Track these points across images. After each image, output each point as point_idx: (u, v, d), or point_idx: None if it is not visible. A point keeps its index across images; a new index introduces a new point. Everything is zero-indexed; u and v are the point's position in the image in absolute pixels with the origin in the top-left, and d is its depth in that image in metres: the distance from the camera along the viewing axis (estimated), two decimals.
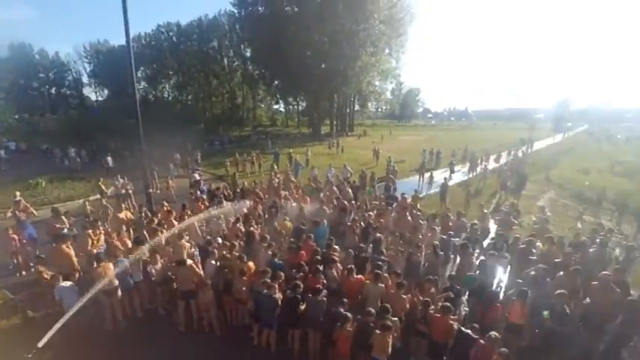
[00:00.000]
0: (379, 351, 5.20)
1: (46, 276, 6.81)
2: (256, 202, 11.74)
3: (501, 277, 8.04)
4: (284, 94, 58.67)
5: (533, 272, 6.99)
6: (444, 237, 9.13)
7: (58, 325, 4.83)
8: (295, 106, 64.65)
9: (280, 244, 8.71)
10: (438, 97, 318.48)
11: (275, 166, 19.47)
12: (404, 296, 6.20)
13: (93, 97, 69.62)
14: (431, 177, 18.31)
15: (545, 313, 6.05)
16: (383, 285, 6.51)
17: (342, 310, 5.70)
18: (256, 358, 6.30)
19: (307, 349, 6.24)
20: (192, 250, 7.84)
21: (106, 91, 67.11)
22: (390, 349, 5.20)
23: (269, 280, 6.25)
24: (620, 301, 6.13)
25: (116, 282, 6.77)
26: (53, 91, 65.11)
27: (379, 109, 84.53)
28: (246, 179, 18.62)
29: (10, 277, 8.70)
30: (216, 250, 7.58)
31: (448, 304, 5.72)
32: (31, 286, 7.93)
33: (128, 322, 7.07)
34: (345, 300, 6.00)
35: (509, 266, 8.12)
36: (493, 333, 5.01)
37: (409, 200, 13.04)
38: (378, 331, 5.20)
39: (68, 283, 6.37)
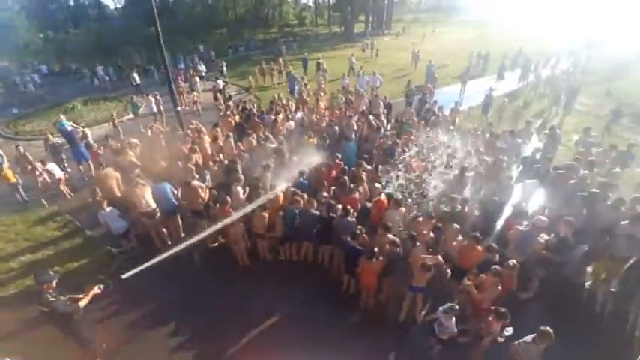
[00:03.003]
0: (417, 281, 5.40)
1: (97, 198, 7.23)
2: (284, 119, 11.33)
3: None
4: None
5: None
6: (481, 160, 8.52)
7: (147, 264, 5.27)
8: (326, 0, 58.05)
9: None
10: None
11: (304, 76, 18.31)
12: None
13: (111, 5, 65.40)
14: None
15: None
16: (403, 209, 6.51)
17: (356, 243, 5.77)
18: (282, 274, 6.80)
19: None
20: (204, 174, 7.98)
21: None
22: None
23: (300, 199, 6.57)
24: None
25: (153, 204, 7.10)
26: (72, 2, 61.50)
27: None
28: (273, 90, 17.88)
29: (68, 202, 9.41)
30: (242, 176, 7.53)
31: (477, 234, 5.68)
32: (86, 208, 8.69)
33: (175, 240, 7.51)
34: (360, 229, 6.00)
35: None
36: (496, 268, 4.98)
37: (447, 114, 12.12)
38: (419, 268, 5.27)
39: (109, 209, 6.76)
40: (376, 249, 5.43)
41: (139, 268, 5.17)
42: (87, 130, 11.41)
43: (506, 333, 4.52)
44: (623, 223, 5.85)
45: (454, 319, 4.77)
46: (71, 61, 30.55)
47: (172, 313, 5.99)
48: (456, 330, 4.82)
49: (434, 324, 5.03)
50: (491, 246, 5.51)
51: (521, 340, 4.34)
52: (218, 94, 15.28)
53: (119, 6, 62.07)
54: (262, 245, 7.03)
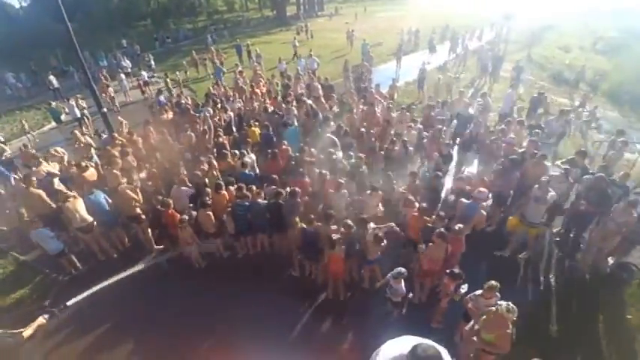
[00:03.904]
0: (372, 254, 5.59)
1: (25, 219, 6.68)
2: (221, 110, 10.86)
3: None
4: None
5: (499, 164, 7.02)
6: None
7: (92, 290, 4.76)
8: None
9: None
10: None
11: (238, 64, 17.62)
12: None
13: (15, 3, 57.06)
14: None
15: None
16: (345, 191, 6.56)
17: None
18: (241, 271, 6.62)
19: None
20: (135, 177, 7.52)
21: None
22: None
23: (248, 193, 6.39)
24: None
25: (89, 217, 6.52)
26: None
27: None
28: (209, 82, 17.03)
29: None
30: (185, 178, 7.12)
31: (424, 205, 5.93)
32: (15, 231, 7.84)
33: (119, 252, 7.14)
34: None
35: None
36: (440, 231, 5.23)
37: (386, 91, 12.40)
38: (371, 241, 5.43)
39: (40, 229, 6.09)
40: (334, 236, 5.43)
41: (84, 294, 4.76)
42: (3, 146, 10.26)
43: (461, 291, 4.76)
44: (535, 186, 6.09)
45: (403, 282, 5.00)
46: None
47: (131, 327, 5.57)
48: (404, 291, 5.07)
49: (386, 289, 5.25)
50: (440, 215, 5.73)
51: (471, 294, 4.61)
52: (145, 88, 14.22)
53: (24, 4, 54.49)
54: (216, 244, 6.78)
